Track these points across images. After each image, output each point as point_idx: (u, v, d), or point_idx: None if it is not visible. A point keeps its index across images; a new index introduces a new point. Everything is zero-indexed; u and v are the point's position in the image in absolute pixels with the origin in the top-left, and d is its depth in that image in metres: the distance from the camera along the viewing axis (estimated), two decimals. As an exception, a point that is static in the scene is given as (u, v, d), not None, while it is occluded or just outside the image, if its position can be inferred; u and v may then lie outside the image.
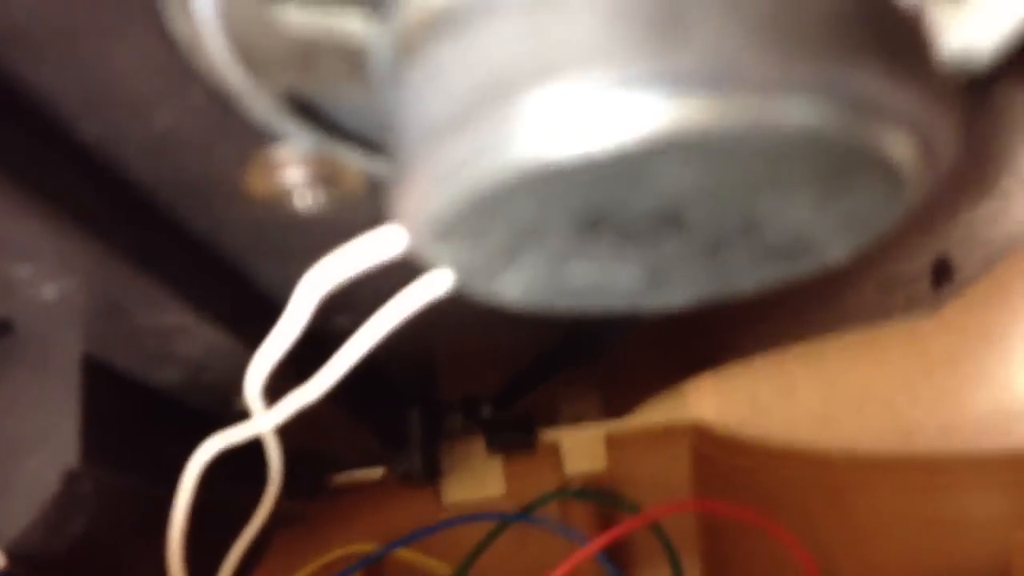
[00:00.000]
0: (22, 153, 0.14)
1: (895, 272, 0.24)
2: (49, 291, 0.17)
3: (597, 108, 0.09)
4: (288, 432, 0.22)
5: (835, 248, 0.12)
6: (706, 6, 0.09)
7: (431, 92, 0.10)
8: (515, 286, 0.12)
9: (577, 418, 0.32)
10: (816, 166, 0.10)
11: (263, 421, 0.21)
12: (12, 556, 0.19)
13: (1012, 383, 0.27)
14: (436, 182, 0.10)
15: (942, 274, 0.23)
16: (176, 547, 0.22)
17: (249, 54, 0.11)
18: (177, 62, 0.12)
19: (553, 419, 0.33)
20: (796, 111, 0.09)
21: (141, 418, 0.21)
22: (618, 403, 0.31)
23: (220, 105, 0.13)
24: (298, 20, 0.11)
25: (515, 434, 0.32)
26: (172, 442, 0.22)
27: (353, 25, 0.11)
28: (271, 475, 0.24)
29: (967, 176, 0.21)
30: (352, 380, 0.20)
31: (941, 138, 0.10)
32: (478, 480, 0.33)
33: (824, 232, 0.11)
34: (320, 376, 0.20)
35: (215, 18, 0.11)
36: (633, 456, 0.31)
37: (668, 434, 0.31)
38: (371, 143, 0.13)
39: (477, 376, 0.29)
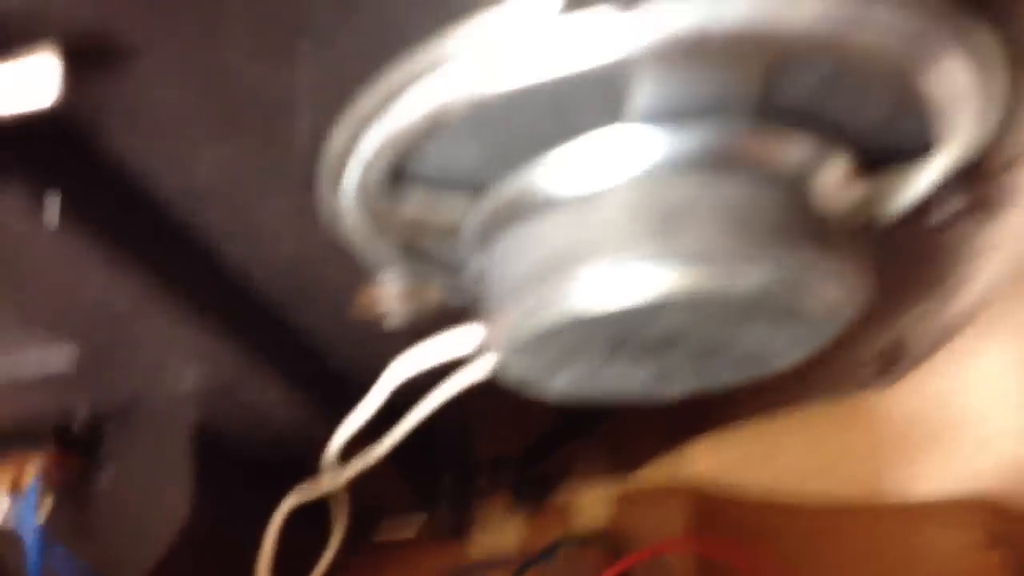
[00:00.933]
0: (183, 269, 0.19)
1: (857, 355, 0.28)
2: (188, 378, 0.21)
3: (625, 275, 0.13)
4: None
5: (784, 359, 0.16)
6: (695, 210, 0.14)
7: (515, 258, 0.15)
8: (561, 386, 0.17)
9: (589, 477, 0.36)
10: (767, 307, 0.14)
11: (338, 478, 0.26)
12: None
13: (966, 437, 0.32)
14: (519, 317, 0.14)
15: (898, 355, 0.28)
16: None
17: (375, 223, 0.16)
18: (312, 218, 0.17)
19: (569, 478, 0.37)
20: (754, 275, 0.14)
21: (236, 477, 0.26)
22: (626, 463, 0.35)
23: (341, 249, 0.18)
24: (416, 207, 0.15)
25: (536, 491, 0.37)
26: (259, 497, 0.26)
27: (455, 210, 0.15)
28: (336, 526, 0.28)
29: (911, 282, 0.25)
30: (403, 443, 0.24)
31: (851, 283, 0.15)
32: (501, 533, 0.37)
33: (776, 349, 0.16)
34: (384, 440, 0.25)
35: (356, 200, 0.16)
36: (637, 510, 0.35)
37: (669, 490, 0.35)
38: (449, 269, 0.18)
39: (504, 439, 0.33)
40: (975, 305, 0.25)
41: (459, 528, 0.36)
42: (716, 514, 0.34)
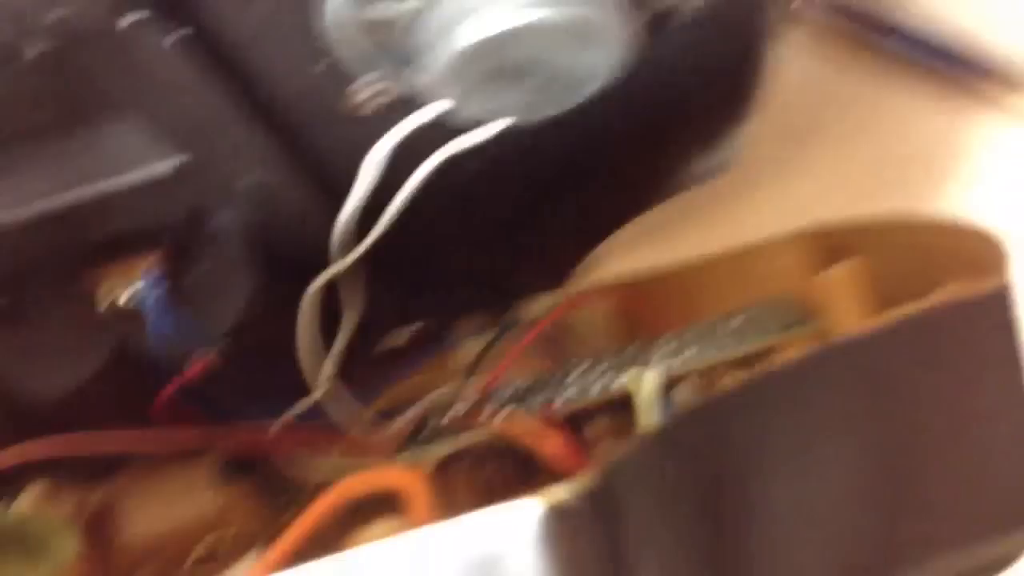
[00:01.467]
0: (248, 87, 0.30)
1: (690, 150, 0.40)
2: (247, 183, 0.33)
3: (491, 15, 0.26)
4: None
5: (598, 79, 0.28)
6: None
7: (432, 31, 0.27)
8: (477, 106, 0.28)
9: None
10: (576, 34, 0.26)
11: (347, 260, 0.37)
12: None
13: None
14: (435, 58, 0.26)
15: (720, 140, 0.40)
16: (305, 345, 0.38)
17: (346, 32, 0.28)
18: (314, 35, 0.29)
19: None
20: (566, 11, 0.26)
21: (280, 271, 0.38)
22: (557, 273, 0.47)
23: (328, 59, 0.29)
24: (371, 11, 0.27)
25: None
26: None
27: (396, 9, 0.27)
28: (348, 312, 0.40)
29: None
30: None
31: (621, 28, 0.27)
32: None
33: (591, 70, 0.28)
34: (380, 222, 0.36)
35: (336, 14, 0.28)
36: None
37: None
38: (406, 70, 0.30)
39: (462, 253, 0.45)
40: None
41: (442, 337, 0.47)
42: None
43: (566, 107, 0.29)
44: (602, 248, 0.46)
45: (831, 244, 0.43)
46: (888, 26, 0.44)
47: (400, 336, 0.46)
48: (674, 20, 0.31)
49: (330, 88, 0.31)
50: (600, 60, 0.27)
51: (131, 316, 0.35)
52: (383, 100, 0.31)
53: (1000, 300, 0.33)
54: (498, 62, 0.26)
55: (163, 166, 0.32)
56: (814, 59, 0.47)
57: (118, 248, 0.35)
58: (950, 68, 0.43)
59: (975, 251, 0.40)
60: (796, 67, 0.47)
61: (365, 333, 0.41)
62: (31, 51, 0.25)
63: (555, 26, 0.25)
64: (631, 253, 0.48)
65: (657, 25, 0.31)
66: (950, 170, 0.46)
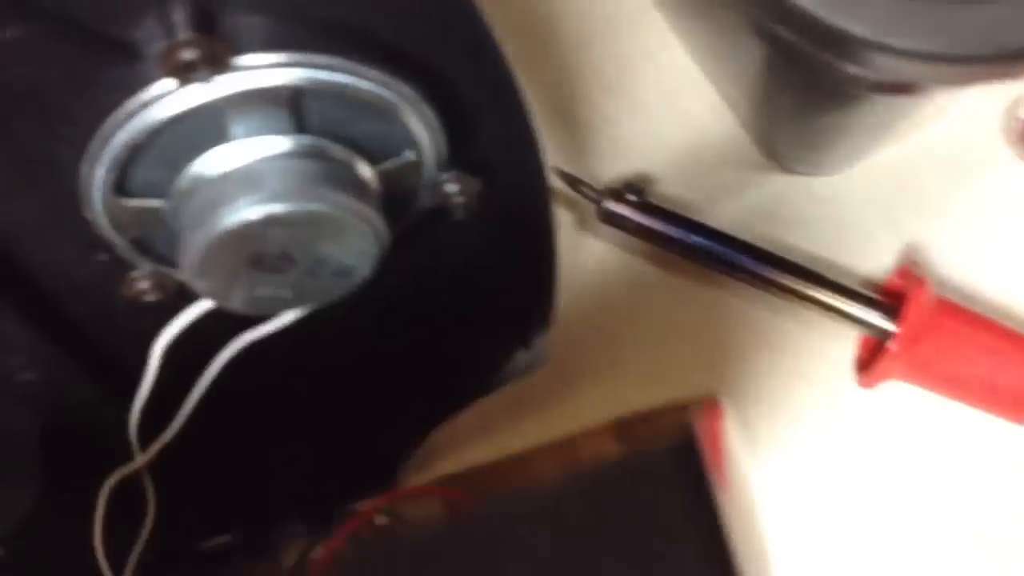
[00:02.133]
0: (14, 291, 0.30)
1: (496, 351, 0.41)
2: (25, 382, 0.33)
3: (235, 208, 0.26)
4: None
5: (363, 270, 0.29)
6: (276, 173, 0.27)
7: (184, 223, 0.28)
8: (237, 301, 0.29)
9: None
10: (328, 227, 0.27)
11: (139, 461, 0.37)
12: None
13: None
14: (188, 250, 0.27)
15: (525, 342, 0.41)
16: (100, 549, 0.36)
17: (115, 222, 0.29)
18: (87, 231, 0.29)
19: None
20: (310, 204, 0.27)
21: (69, 472, 0.37)
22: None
23: (107, 251, 0.30)
24: (133, 204, 0.28)
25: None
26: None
27: (156, 204, 0.28)
28: (146, 516, 0.39)
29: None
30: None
31: (374, 219, 0.28)
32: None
33: (353, 262, 0.29)
34: (173, 423, 0.36)
35: (101, 208, 0.28)
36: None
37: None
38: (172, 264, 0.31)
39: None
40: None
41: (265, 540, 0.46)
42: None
43: (332, 298, 0.30)
44: (430, 445, 0.46)
45: (637, 432, 0.44)
46: (696, 228, 0.46)
47: (217, 540, 0.45)
48: (446, 217, 0.32)
49: (109, 279, 0.31)
50: (355, 252, 0.28)
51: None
52: (162, 290, 0.31)
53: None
54: (248, 254, 0.27)
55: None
56: (631, 264, 0.49)
57: None
58: (756, 268, 0.45)
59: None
60: (611, 272, 0.49)
61: (175, 536, 0.40)
62: None
63: (296, 218, 0.26)
64: (461, 448, 0.48)
65: (430, 221, 0.32)
66: (773, 369, 0.48)
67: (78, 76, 0.25)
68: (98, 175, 0.27)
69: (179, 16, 0.25)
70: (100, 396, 0.34)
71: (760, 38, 0.35)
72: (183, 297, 0.32)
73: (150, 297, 0.31)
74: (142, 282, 0.31)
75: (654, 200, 0.47)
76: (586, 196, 0.46)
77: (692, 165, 0.49)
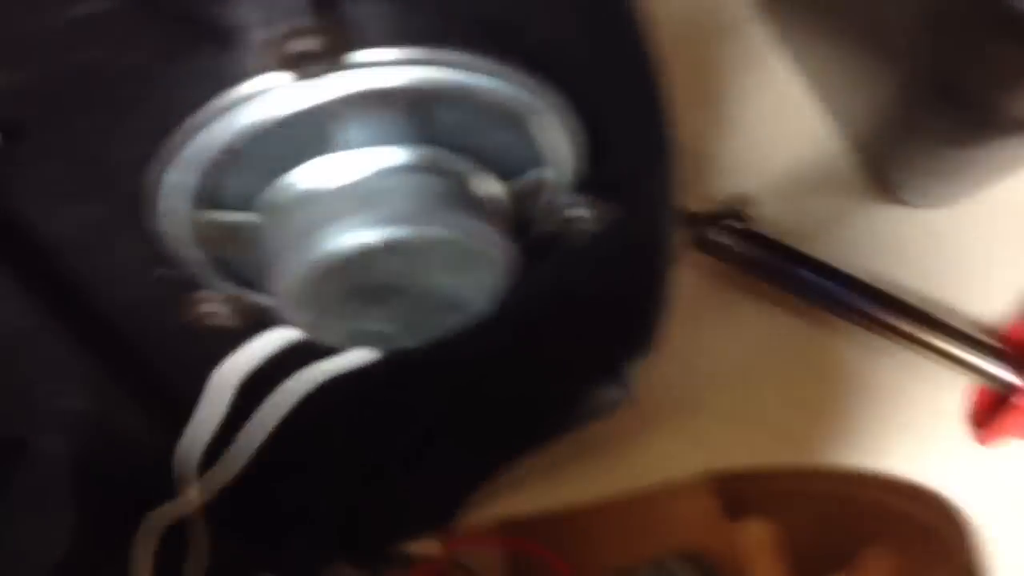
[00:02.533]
0: (63, 304, 0.26)
1: (586, 386, 0.37)
2: (65, 407, 0.28)
3: (344, 232, 0.22)
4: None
5: (476, 304, 0.25)
6: (392, 192, 0.22)
7: (279, 244, 0.23)
8: (332, 334, 0.25)
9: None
10: (446, 255, 0.23)
11: (191, 501, 0.32)
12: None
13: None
14: (287, 277, 0.23)
15: (618, 375, 0.36)
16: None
17: (191, 237, 0.24)
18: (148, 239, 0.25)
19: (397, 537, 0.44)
20: (430, 229, 0.22)
21: (112, 506, 0.32)
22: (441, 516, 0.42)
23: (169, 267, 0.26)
24: (215, 218, 0.24)
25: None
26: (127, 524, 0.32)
27: (244, 219, 0.24)
28: (193, 557, 0.35)
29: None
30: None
31: (500, 242, 0.23)
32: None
33: (467, 295, 0.24)
34: (224, 462, 0.32)
35: (178, 220, 0.24)
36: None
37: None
38: (254, 285, 0.26)
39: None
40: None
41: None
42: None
43: (440, 334, 0.25)
44: (494, 485, 0.42)
45: (739, 492, 0.39)
46: (800, 260, 0.41)
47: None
48: (563, 243, 0.28)
49: (171, 300, 0.27)
50: (476, 284, 0.24)
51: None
52: (230, 315, 0.27)
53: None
54: (355, 283, 0.23)
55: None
56: (722, 294, 0.45)
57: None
58: (864, 307, 0.41)
59: (905, 510, 0.37)
60: (701, 302, 0.45)
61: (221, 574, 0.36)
62: None
63: (416, 245, 0.22)
64: (525, 490, 0.44)
65: (543, 247, 0.28)
66: (871, 418, 0.43)
67: (160, 63, 0.21)
68: (175, 182, 0.23)
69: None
70: (148, 426, 0.30)
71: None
72: (252, 324, 0.28)
73: (224, 322, 0.27)
74: (213, 305, 0.26)
75: (752, 226, 0.42)
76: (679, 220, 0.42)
77: (792, 189, 0.45)
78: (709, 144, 0.46)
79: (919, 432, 0.43)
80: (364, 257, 0.22)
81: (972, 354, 0.40)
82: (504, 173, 0.24)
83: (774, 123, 0.45)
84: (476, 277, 0.24)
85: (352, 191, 0.22)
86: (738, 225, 0.41)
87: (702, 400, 0.44)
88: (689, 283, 0.43)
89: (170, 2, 0.20)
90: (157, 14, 0.20)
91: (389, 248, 0.22)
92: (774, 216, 0.44)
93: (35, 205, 0.23)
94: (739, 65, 0.45)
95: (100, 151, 0.22)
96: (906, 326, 0.41)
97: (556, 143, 0.24)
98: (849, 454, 0.43)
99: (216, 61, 0.21)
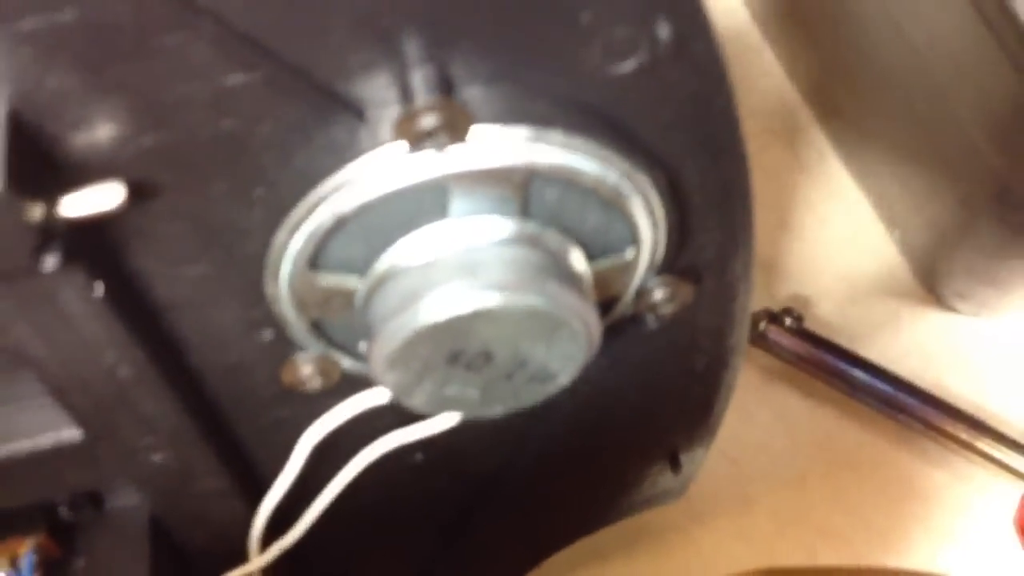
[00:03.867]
0: (164, 361, 0.27)
1: (643, 473, 0.38)
2: (152, 465, 0.29)
3: (447, 297, 0.23)
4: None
5: (564, 376, 0.26)
6: (494, 261, 0.24)
7: (383, 307, 0.24)
8: (421, 398, 0.26)
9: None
10: (541, 325, 0.24)
11: (256, 562, 0.33)
12: None
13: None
14: (384, 340, 0.24)
15: (675, 464, 0.37)
16: None
17: (298, 299, 0.26)
18: (248, 322, 0.26)
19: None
20: (529, 298, 0.24)
21: (182, 568, 0.33)
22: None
23: (276, 330, 0.27)
24: (325, 281, 0.25)
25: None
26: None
27: (352, 283, 0.25)
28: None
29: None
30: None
31: (590, 316, 0.25)
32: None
33: (556, 366, 0.26)
34: (298, 526, 0.32)
35: (287, 282, 0.25)
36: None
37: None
38: (348, 350, 0.28)
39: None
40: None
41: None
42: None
43: (522, 405, 0.26)
44: (542, 568, 0.42)
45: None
46: (855, 361, 0.42)
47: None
48: (638, 324, 0.29)
49: (266, 362, 0.28)
50: (564, 357, 0.25)
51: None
52: (325, 377, 0.28)
53: None
54: (452, 348, 0.24)
55: (67, 434, 0.28)
56: (775, 392, 0.46)
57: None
58: (916, 410, 0.42)
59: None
60: (752, 397, 0.46)
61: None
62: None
63: (514, 313, 0.23)
64: (573, 570, 0.44)
65: (618, 327, 0.29)
66: (920, 524, 0.44)
67: (293, 135, 0.23)
68: (290, 245, 0.24)
69: (419, 79, 0.22)
70: (225, 488, 0.31)
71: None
72: (338, 390, 0.29)
73: (312, 384, 0.28)
74: (307, 368, 0.28)
75: (808, 326, 0.43)
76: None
77: (847, 293, 0.46)
78: (770, 247, 0.47)
79: (968, 538, 0.43)
80: (464, 322, 0.24)
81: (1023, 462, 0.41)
82: (594, 251, 0.26)
83: (832, 229, 0.46)
84: (565, 350, 0.25)
85: (456, 259, 0.24)
86: (795, 324, 0.42)
87: (750, 496, 0.45)
88: (743, 379, 0.44)
89: (308, 78, 0.22)
90: (297, 89, 0.22)
91: (488, 315, 0.23)
92: (828, 319, 0.45)
93: (155, 264, 0.25)
94: (802, 172, 0.47)
95: (224, 215, 0.24)
96: (958, 431, 0.42)
97: (646, 224, 0.25)
98: (898, 558, 0.43)
99: (347, 134, 0.23)
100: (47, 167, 0.22)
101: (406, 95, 0.22)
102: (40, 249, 0.22)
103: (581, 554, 0.45)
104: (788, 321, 0.42)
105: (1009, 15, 0.27)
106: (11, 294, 0.23)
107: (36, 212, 0.21)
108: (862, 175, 0.46)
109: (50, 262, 0.22)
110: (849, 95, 0.42)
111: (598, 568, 0.45)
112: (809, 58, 0.44)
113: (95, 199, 0.22)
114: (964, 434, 0.42)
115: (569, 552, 0.43)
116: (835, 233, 0.46)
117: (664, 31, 0.22)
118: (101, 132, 0.22)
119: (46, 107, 0.21)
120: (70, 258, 0.22)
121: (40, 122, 0.21)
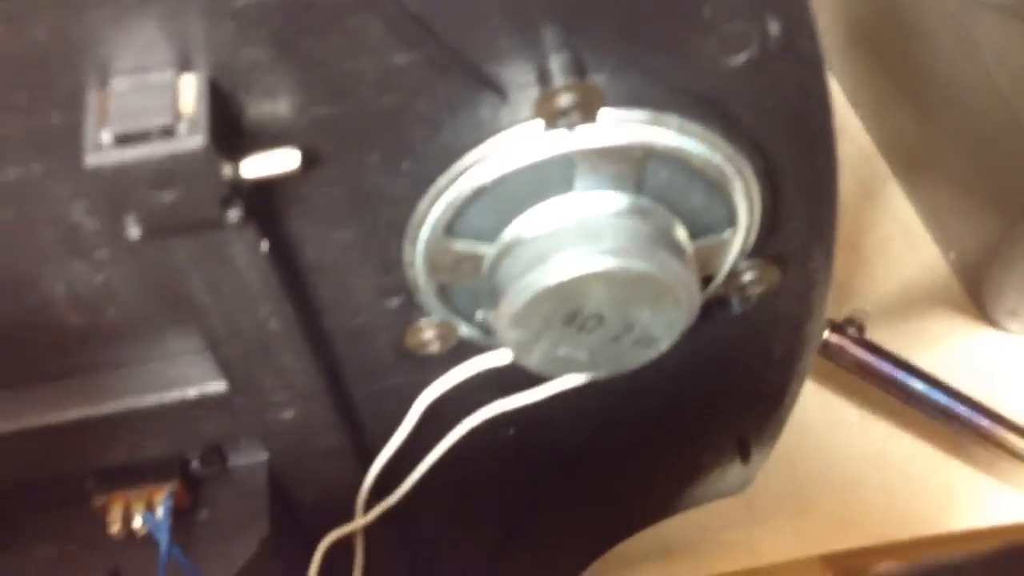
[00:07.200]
0: (308, 321, 0.30)
1: (714, 460, 0.40)
2: (287, 414, 0.32)
3: (569, 261, 0.26)
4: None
5: (663, 341, 0.29)
6: (611, 230, 0.27)
7: (510, 271, 0.28)
8: (537, 356, 0.29)
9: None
10: (650, 290, 0.27)
11: (361, 520, 0.36)
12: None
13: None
14: (509, 300, 0.27)
15: (744, 452, 0.40)
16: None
17: (431, 265, 0.29)
18: (389, 274, 0.29)
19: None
20: (642, 263, 0.27)
21: (296, 522, 0.36)
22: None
23: (403, 297, 0.30)
24: (459, 247, 0.28)
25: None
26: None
27: (482, 249, 0.28)
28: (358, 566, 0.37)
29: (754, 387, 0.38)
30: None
31: (693, 285, 0.28)
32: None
33: (657, 332, 0.29)
34: (402, 485, 0.35)
35: (424, 247, 0.28)
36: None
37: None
38: (466, 316, 0.31)
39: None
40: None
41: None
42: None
43: (626, 368, 0.29)
44: (605, 560, 0.45)
45: (852, 564, 0.42)
46: (911, 371, 0.45)
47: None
48: (726, 304, 0.32)
49: (389, 327, 0.31)
50: (667, 322, 0.28)
51: (141, 544, 0.33)
52: (444, 342, 0.31)
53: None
54: (570, 309, 0.27)
55: (213, 387, 0.31)
56: (833, 400, 0.48)
57: (138, 472, 0.33)
58: (971, 420, 0.44)
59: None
60: (809, 403, 0.48)
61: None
62: (134, 231, 0.25)
63: (629, 277, 0.26)
64: (636, 566, 0.46)
65: (709, 306, 0.32)
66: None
67: (443, 112, 0.26)
68: (430, 214, 0.27)
69: (556, 64, 0.25)
70: (344, 446, 0.34)
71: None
72: (453, 354, 0.32)
73: (431, 348, 0.31)
74: (429, 332, 0.31)
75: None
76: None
77: (902, 310, 0.49)
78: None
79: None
80: (583, 283, 0.27)
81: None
82: (696, 231, 0.29)
83: (890, 250, 0.49)
84: (668, 316, 0.28)
85: (578, 228, 0.27)
86: (856, 333, 0.45)
87: (807, 499, 0.47)
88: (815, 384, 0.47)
89: (463, 59, 0.25)
90: (453, 69, 0.25)
91: (605, 277, 0.27)
92: (884, 334, 0.48)
93: (309, 227, 0.28)
94: (864, 195, 0.50)
95: (374, 183, 0.27)
96: (1009, 441, 0.44)
97: (744, 207, 0.28)
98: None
99: (489, 112, 0.26)
100: (234, 131, 0.25)
101: (544, 78, 0.25)
102: (226, 203, 0.25)
103: (646, 551, 0.47)
104: (850, 330, 0.44)
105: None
106: (193, 245, 0.26)
107: (227, 169, 0.25)
108: (920, 198, 0.49)
109: (233, 215, 0.25)
110: (912, 118, 0.46)
111: (663, 565, 0.48)
112: (874, 86, 0.48)
113: (274, 162, 0.25)
114: (1016, 444, 0.44)
115: (633, 549, 0.45)
116: (893, 254, 0.49)
117: (775, 28, 0.25)
118: (281, 102, 0.25)
119: (239, 77, 0.25)
120: (247, 215, 0.25)
121: (232, 90, 0.25)
